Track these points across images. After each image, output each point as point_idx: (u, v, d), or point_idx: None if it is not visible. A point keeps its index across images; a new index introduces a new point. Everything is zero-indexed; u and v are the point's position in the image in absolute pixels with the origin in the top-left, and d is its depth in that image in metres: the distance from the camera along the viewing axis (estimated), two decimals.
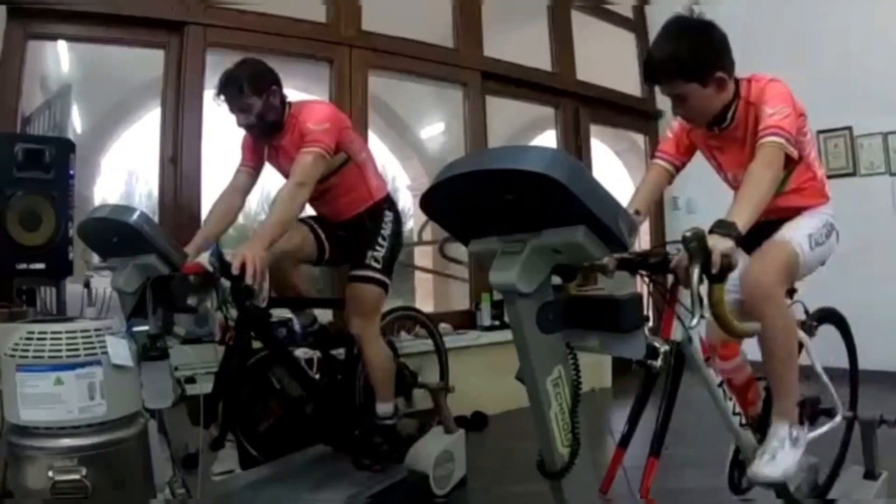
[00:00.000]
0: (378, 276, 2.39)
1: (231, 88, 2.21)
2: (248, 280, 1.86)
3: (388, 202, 2.55)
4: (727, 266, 1.19)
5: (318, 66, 3.74)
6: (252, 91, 2.20)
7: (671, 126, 1.92)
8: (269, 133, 2.31)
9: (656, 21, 4.59)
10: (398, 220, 2.55)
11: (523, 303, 0.98)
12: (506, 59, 4.47)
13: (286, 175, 2.40)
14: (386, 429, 2.44)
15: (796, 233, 1.70)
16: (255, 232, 2.21)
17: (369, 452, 2.39)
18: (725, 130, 1.71)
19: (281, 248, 2.25)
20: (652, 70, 1.65)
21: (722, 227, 1.30)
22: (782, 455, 1.61)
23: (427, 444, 2.38)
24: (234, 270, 1.86)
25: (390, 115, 5.40)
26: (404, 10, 4.13)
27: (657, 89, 1.72)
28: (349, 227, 2.48)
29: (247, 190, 2.46)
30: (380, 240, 2.44)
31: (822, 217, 1.79)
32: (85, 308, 2.53)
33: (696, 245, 1.14)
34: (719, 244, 1.22)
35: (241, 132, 2.42)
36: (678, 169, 1.90)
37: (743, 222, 1.34)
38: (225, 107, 2.26)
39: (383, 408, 2.44)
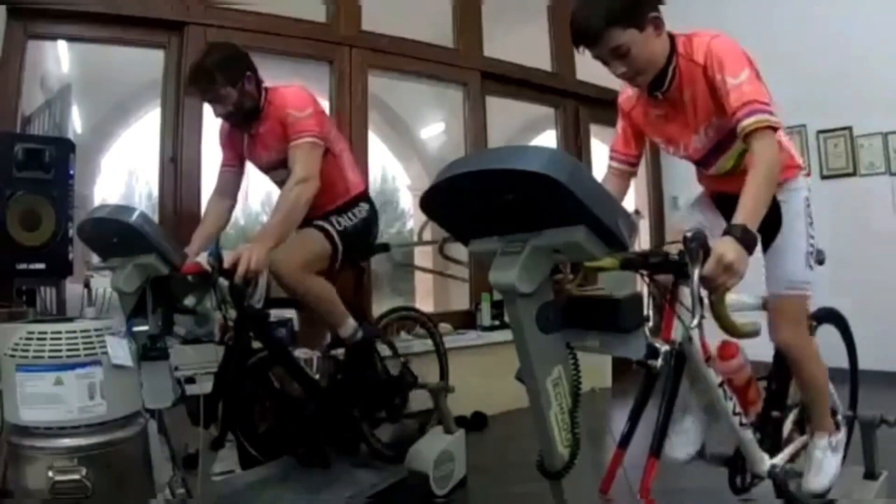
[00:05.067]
0: (330, 229, 2.27)
1: (202, 81, 2.11)
2: (237, 280, 1.85)
3: (365, 197, 2.47)
4: (727, 268, 1.17)
5: (318, 66, 3.74)
6: (225, 81, 2.11)
7: (618, 120, 1.82)
8: (248, 121, 2.23)
9: None
10: (374, 212, 2.46)
11: (523, 303, 0.98)
12: (506, 59, 4.47)
13: (263, 168, 2.38)
14: (358, 345, 2.35)
15: (797, 271, 1.67)
16: (260, 231, 2.20)
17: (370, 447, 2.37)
18: (668, 93, 1.59)
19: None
20: (582, 28, 1.47)
21: (732, 230, 1.25)
22: (827, 464, 1.74)
23: (427, 444, 2.38)
24: (226, 265, 1.85)
25: (390, 115, 5.39)
26: (404, 10, 4.13)
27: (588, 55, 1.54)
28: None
29: (235, 189, 2.43)
30: (349, 215, 2.36)
31: (800, 207, 1.71)
32: (85, 308, 2.53)
33: (697, 246, 1.14)
34: (719, 248, 1.18)
35: (216, 130, 2.39)
36: (634, 164, 1.82)
37: (754, 222, 1.29)
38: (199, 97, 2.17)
39: (344, 331, 2.33)
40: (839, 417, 1.89)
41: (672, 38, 1.55)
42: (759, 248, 1.36)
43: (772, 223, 1.66)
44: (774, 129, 1.42)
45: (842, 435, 1.84)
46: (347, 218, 2.36)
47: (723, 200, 1.78)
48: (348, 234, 2.34)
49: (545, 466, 1.06)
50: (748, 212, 1.30)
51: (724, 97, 1.47)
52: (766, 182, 1.36)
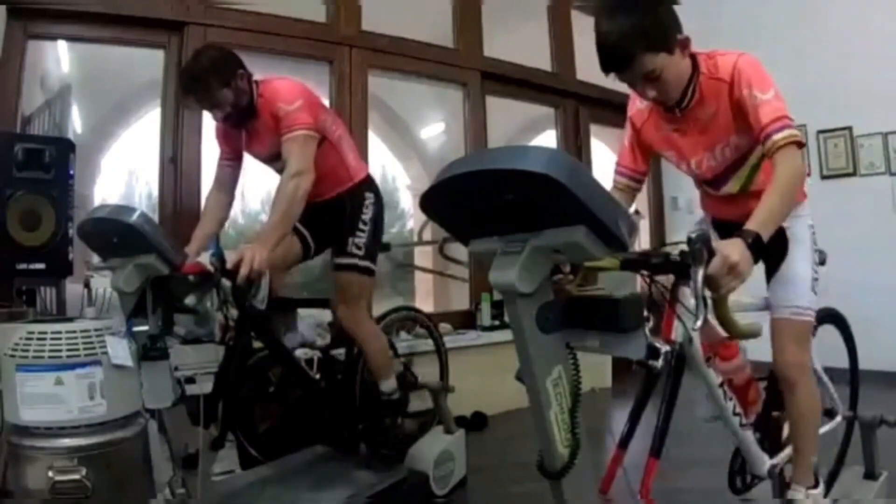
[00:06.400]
0: (360, 262, 2.34)
1: (197, 88, 2.11)
2: (239, 280, 1.85)
3: (369, 183, 2.48)
4: (731, 269, 1.15)
5: (318, 66, 3.74)
6: (220, 83, 2.09)
7: (626, 132, 1.80)
8: (246, 118, 2.23)
9: None
10: (379, 202, 2.47)
11: (523, 303, 0.97)
12: (506, 59, 4.48)
13: (264, 161, 2.38)
14: (392, 404, 2.45)
15: (804, 295, 1.68)
16: (260, 231, 2.19)
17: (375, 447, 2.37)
18: (686, 110, 1.58)
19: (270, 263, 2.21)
20: (613, 53, 1.42)
21: (743, 234, 1.23)
22: None
23: (427, 444, 2.38)
24: (228, 266, 1.85)
25: (390, 115, 5.39)
26: (404, 10, 4.13)
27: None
28: (329, 208, 2.38)
29: (233, 184, 2.42)
30: (360, 225, 2.37)
31: (806, 235, 1.73)
32: (85, 308, 2.53)
33: (700, 246, 1.13)
34: (725, 249, 1.17)
35: (213, 125, 2.38)
36: (640, 181, 1.81)
37: (766, 231, 1.26)
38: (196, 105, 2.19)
39: (386, 385, 2.43)
40: (819, 474, 1.79)
41: (693, 56, 1.55)
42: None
43: (776, 249, 1.66)
44: (801, 145, 1.42)
45: (819, 491, 1.73)
46: (360, 231, 2.37)
47: (724, 229, 1.77)
48: (369, 248, 2.37)
49: (545, 466, 1.05)
50: (762, 221, 1.28)
51: (750, 111, 1.47)
52: (786, 195, 1.36)
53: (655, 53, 1.42)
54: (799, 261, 1.71)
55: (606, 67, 1.45)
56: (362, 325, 2.38)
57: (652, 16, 1.41)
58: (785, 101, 1.46)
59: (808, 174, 4.39)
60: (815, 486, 1.73)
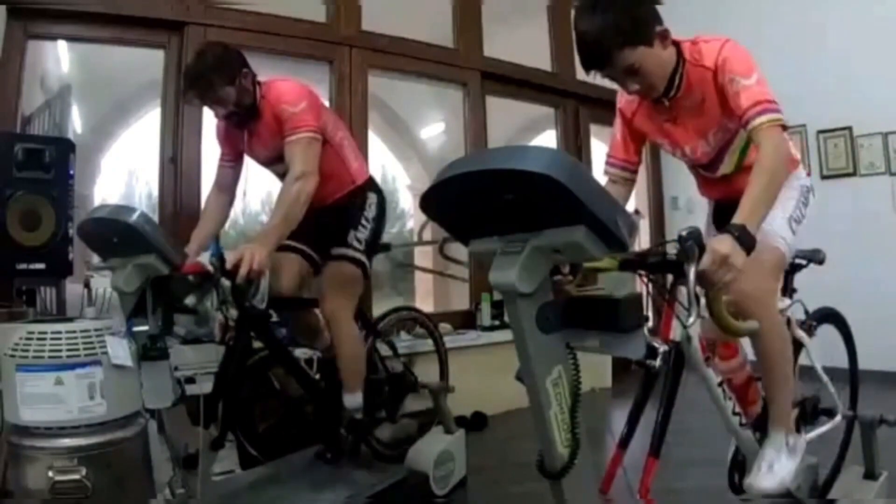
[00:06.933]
0: (358, 255, 2.31)
1: (200, 84, 2.10)
2: (239, 280, 1.85)
3: (372, 185, 2.48)
4: (722, 262, 1.15)
5: (318, 66, 3.74)
6: (223, 81, 2.09)
7: (616, 124, 1.81)
8: (249, 117, 2.22)
9: None
10: (382, 203, 2.47)
11: (523, 303, 0.98)
12: (506, 59, 4.48)
13: (263, 163, 2.38)
14: (353, 424, 2.32)
15: (775, 223, 1.58)
16: (260, 231, 2.19)
17: (334, 444, 2.31)
18: (675, 99, 1.59)
19: (291, 290, 2.26)
20: (592, 51, 1.44)
21: (730, 228, 1.22)
22: (779, 465, 1.58)
23: (427, 444, 2.38)
24: (228, 265, 1.85)
25: (390, 115, 5.39)
26: (404, 10, 4.13)
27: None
28: (332, 212, 2.36)
29: (233, 184, 2.42)
30: (363, 221, 2.36)
31: (795, 186, 1.69)
32: (85, 308, 2.53)
33: (692, 244, 1.14)
34: (713, 243, 1.17)
35: (213, 125, 2.38)
36: (633, 171, 1.81)
37: (755, 221, 1.26)
38: (197, 102, 2.18)
39: (351, 400, 2.29)
40: (817, 411, 1.74)
41: (677, 44, 1.55)
42: None
43: None
44: (784, 127, 1.42)
45: (801, 441, 1.66)
46: (363, 226, 2.36)
47: (724, 212, 1.76)
48: (368, 245, 2.35)
49: (545, 466, 1.05)
50: (748, 212, 1.28)
51: (732, 97, 1.47)
52: (769, 183, 1.35)
53: (634, 48, 1.44)
54: (780, 197, 1.55)
55: (587, 65, 1.47)
56: (344, 323, 2.27)
57: (628, 11, 1.42)
58: (768, 84, 1.46)
59: (809, 174, 4.39)
60: (798, 432, 1.64)
